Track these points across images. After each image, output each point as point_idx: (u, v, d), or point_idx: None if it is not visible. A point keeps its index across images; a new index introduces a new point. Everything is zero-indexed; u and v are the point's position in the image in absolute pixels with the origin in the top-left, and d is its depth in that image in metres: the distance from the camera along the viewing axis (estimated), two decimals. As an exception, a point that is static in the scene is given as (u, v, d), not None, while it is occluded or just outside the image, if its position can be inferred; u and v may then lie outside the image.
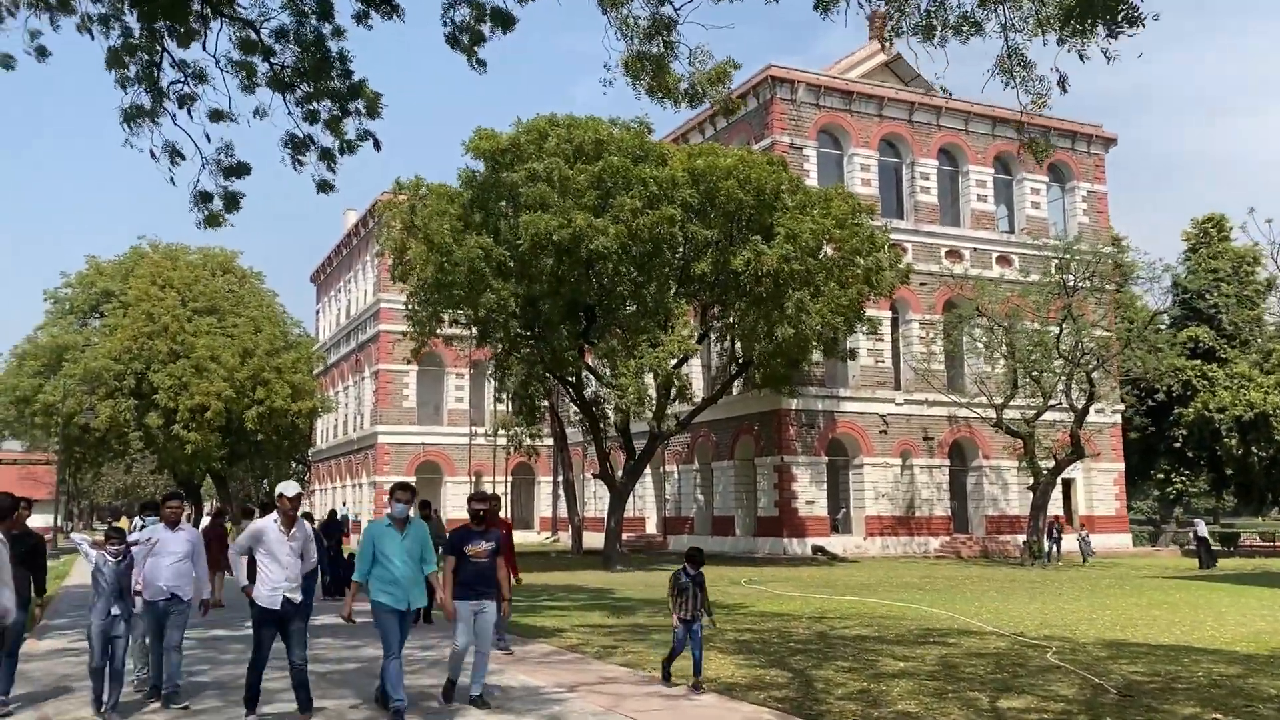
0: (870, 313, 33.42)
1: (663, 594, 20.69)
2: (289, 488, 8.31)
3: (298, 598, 8.18)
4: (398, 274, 32.79)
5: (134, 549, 8.94)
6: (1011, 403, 34.89)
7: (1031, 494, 34.55)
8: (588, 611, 17.43)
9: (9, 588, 6.98)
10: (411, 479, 53.17)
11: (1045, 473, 33.64)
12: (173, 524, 9.26)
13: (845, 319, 30.22)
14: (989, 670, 10.80)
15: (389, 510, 8.34)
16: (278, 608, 8.06)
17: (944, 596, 20.52)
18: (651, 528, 45.79)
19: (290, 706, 8.38)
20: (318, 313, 71.09)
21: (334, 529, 21.72)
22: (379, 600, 8.10)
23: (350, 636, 13.12)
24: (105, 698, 8.44)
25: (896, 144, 41.07)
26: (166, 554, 9.09)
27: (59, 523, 48.10)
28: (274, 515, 8.26)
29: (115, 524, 10.15)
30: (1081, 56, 8.41)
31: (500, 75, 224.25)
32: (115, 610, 8.55)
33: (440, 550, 9.26)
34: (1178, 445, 48.34)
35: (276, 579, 8.14)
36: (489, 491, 9.21)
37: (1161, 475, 50.70)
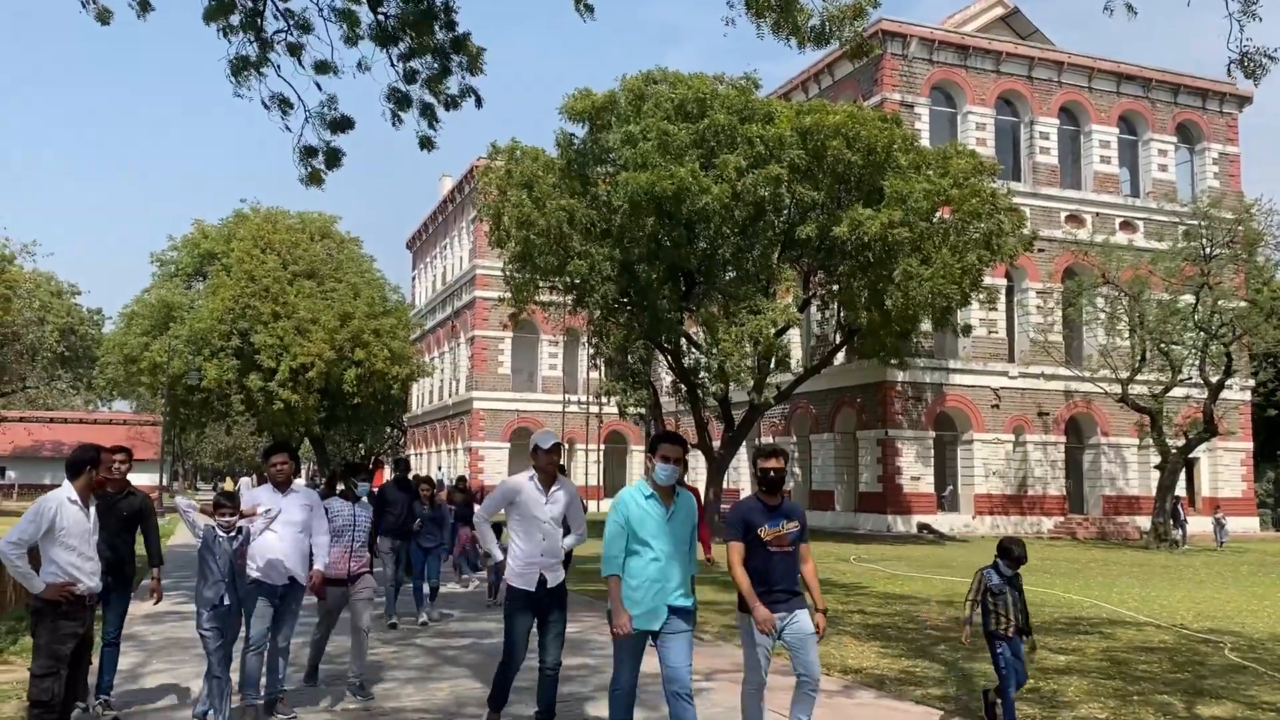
0: (986, 281, 31.70)
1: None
2: (545, 438, 6.49)
3: (559, 577, 6.42)
4: (494, 239, 32.25)
5: (252, 522, 6.89)
6: (1136, 377, 32.90)
7: (1158, 473, 32.57)
8: (698, 586, 16.60)
9: (80, 553, 5.91)
10: (506, 445, 53.12)
11: (1174, 451, 31.65)
12: (282, 486, 7.19)
13: (960, 289, 28.56)
14: (1166, 668, 9.64)
15: (650, 473, 5.77)
16: (533, 589, 6.31)
17: (1075, 581, 19.18)
18: (747, 500, 44.81)
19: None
20: (413, 279, 71.55)
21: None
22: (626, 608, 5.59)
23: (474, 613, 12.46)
24: (219, 705, 6.55)
25: (1014, 102, 38.98)
26: (278, 524, 7.09)
27: (164, 482, 49.21)
28: (529, 472, 6.52)
29: (225, 488, 8.30)
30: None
31: (592, 43, 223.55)
32: (228, 599, 6.53)
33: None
34: (1308, 425, 45.43)
35: (532, 552, 6.38)
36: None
37: (1290, 456, 47.77)
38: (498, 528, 12.85)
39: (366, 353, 44.21)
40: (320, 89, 15.10)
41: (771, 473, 5.89)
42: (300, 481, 7.92)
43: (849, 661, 9.61)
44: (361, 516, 8.13)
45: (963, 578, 19.18)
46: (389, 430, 70.23)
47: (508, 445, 53.52)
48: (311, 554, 7.36)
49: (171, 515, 40.58)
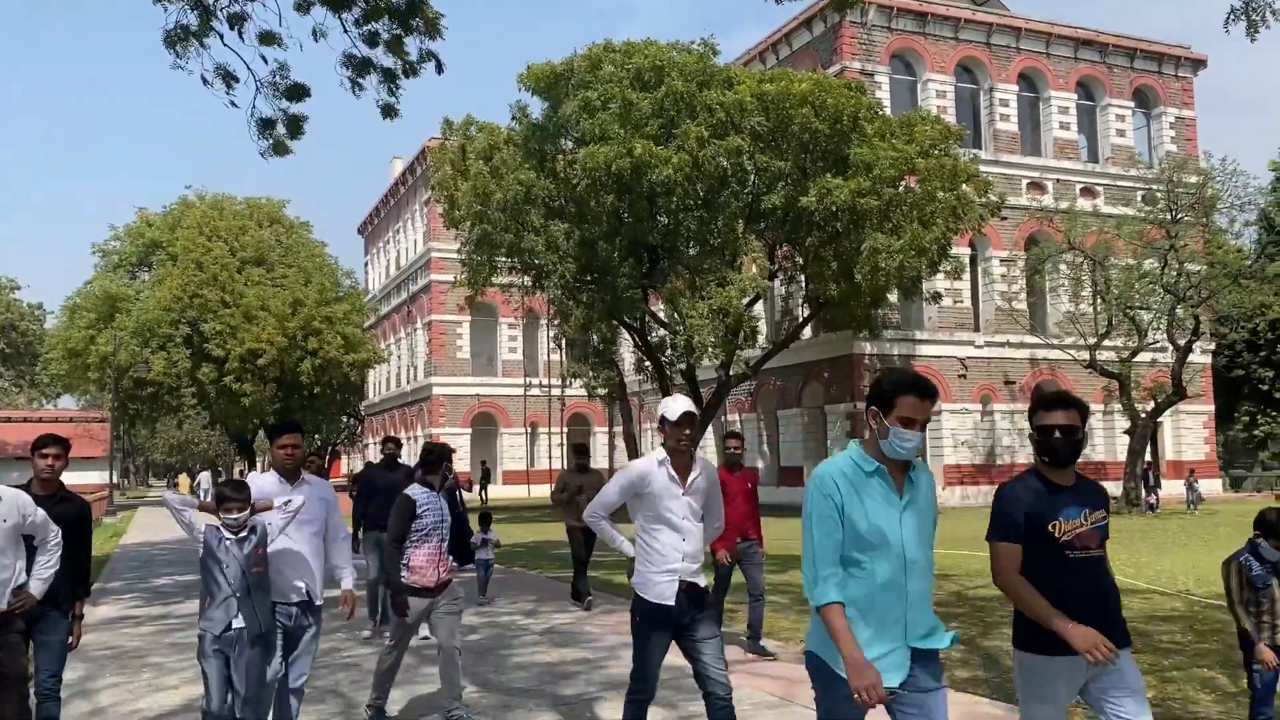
0: (951, 250, 31.36)
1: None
2: (672, 406, 4.89)
3: (702, 582, 4.99)
4: (452, 219, 31.35)
5: (270, 517, 5.29)
6: (1103, 343, 32.82)
7: (1128, 438, 32.55)
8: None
9: (14, 562, 4.85)
10: (468, 431, 52.21)
11: (1143, 416, 31.62)
12: (291, 474, 5.61)
13: (929, 260, 28.19)
14: (1191, 639, 9.19)
15: (876, 438, 3.51)
16: (671, 602, 4.83)
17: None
18: (715, 478, 44.38)
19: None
20: (366, 265, 70.12)
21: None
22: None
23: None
24: None
25: (973, 69, 38.65)
26: (290, 527, 5.45)
27: (114, 480, 47.72)
28: (658, 454, 4.97)
29: (181, 484, 6.10)
30: None
31: (541, 26, 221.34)
32: (238, 621, 5.05)
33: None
34: (1264, 387, 45.91)
35: (670, 555, 4.85)
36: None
37: (1246, 418, 48.39)
38: (486, 517, 11.70)
39: (319, 340, 43.13)
40: (266, 61, 14.24)
41: (1058, 433, 3.75)
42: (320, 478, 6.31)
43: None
44: (444, 510, 6.59)
45: (945, 550, 18.69)
46: (345, 420, 68.89)
47: (469, 431, 52.59)
48: (332, 563, 5.79)
49: (124, 513, 39.28)
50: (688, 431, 4.86)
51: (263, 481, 5.55)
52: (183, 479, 45.09)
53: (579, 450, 11.92)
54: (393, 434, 13.10)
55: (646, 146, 25.52)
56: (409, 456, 14.40)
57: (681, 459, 4.93)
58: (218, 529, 5.13)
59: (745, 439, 34.99)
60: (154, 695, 7.50)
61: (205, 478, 45.74)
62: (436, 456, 6.71)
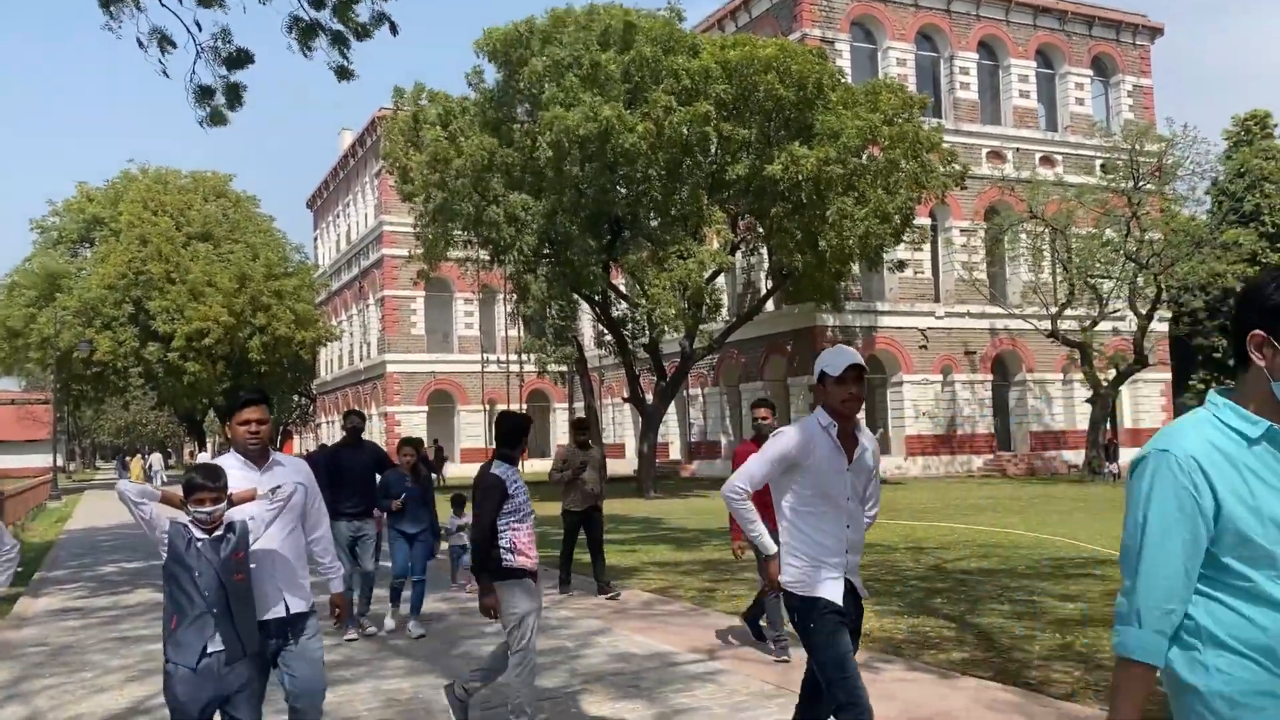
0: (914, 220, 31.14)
1: (713, 522, 18.80)
2: (835, 359, 3.94)
3: (861, 587, 4.10)
4: (406, 192, 30.50)
5: (252, 509, 4.16)
6: (1064, 312, 32.84)
7: (1090, 407, 32.68)
8: (651, 545, 15.70)
9: None
10: (424, 408, 51.39)
11: (1106, 384, 31.72)
12: (258, 457, 4.37)
13: (893, 228, 27.91)
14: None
15: (1263, 381, 2.04)
16: (840, 600, 3.89)
17: (1030, 518, 18.75)
18: (676, 453, 44.12)
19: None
20: (315, 240, 68.66)
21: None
22: None
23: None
24: None
25: (933, 37, 38.36)
26: (264, 521, 4.26)
27: (59, 463, 46.34)
28: (819, 417, 3.97)
29: (134, 468, 4.85)
30: None
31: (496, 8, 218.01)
32: (215, 644, 3.84)
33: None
34: (1217, 355, 46.43)
35: (832, 546, 3.91)
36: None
37: (1202, 386, 48.93)
38: (460, 500, 10.88)
39: (268, 317, 42.05)
40: (200, 28, 13.46)
41: None
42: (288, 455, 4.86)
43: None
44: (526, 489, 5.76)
45: (916, 522, 18.55)
46: (297, 399, 67.68)
47: (425, 409, 51.78)
48: (315, 561, 4.61)
49: (69, 498, 38.10)
50: (854, 390, 3.89)
51: (224, 465, 4.30)
52: (135, 462, 43.82)
53: (579, 426, 10.77)
54: (355, 408, 12.01)
55: (616, 109, 24.91)
56: (372, 434, 13.68)
57: (846, 425, 3.98)
58: (186, 527, 3.94)
59: (708, 412, 34.18)
60: (96, 697, 6.91)
61: (156, 459, 44.54)
62: (518, 428, 5.75)
